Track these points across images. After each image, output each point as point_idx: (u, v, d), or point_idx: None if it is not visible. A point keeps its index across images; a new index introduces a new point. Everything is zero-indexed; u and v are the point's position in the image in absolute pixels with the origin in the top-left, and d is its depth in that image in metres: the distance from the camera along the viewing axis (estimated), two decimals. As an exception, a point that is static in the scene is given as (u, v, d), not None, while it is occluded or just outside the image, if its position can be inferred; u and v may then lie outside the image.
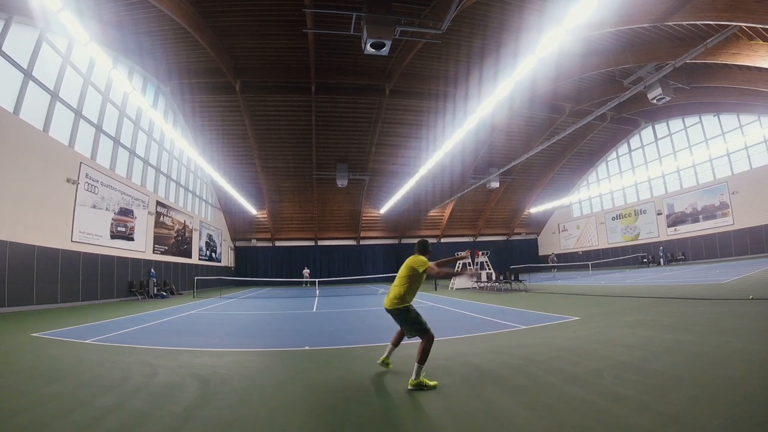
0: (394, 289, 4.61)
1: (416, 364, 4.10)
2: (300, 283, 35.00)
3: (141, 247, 22.29)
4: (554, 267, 35.17)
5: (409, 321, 4.50)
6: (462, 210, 41.05)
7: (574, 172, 40.73)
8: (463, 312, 10.86)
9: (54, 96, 15.50)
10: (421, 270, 4.48)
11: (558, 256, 40.56)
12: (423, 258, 4.63)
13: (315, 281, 31.28)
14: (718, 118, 28.02)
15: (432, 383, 4.07)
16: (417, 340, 4.40)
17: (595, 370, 4.33)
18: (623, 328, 6.78)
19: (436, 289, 21.29)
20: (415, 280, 4.57)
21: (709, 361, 4.37)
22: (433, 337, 4.32)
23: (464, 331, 7.47)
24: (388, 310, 4.63)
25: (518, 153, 29.00)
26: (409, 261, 4.63)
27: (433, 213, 40.29)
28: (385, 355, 4.93)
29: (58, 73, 15.80)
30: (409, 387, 4.03)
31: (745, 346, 4.93)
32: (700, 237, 30.14)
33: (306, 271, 35.88)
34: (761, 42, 16.47)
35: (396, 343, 4.93)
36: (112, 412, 3.50)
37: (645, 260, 32.98)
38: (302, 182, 34.39)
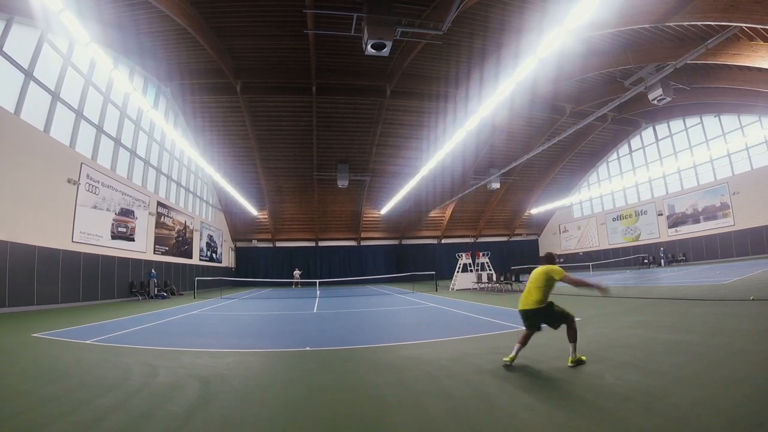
0: (532, 293, 5.14)
1: (572, 344, 4.79)
2: (290, 284, 34.87)
3: (142, 248, 22.30)
4: None
5: (553, 315, 5.08)
6: (463, 211, 41.04)
7: (574, 173, 40.72)
8: (463, 313, 10.85)
9: (55, 96, 15.51)
10: (557, 277, 5.03)
11: (559, 256, 40.53)
12: (557, 267, 5.22)
13: (316, 282, 31.17)
14: (719, 118, 28.00)
15: (583, 357, 4.86)
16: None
17: (596, 370, 4.33)
18: (624, 328, 6.78)
19: (437, 290, 21.28)
20: (551, 286, 5.13)
21: (710, 362, 4.37)
22: (574, 317, 5.05)
23: (465, 331, 7.47)
24: (529, 311, 5.13)
25: (519, 154, 28.96)
26: (546, 269, 5.16)
27: (433, 214, 40.29)
28: (514, 354, 4.99)
29: (59, 73, 15.81)
30: (570, 364, 4.68)
31: (745, 346, 4.92)
32: (701, 238, 30.11)
33: (297, 272, 35.71)
34: (761, 42, 16.45)
35: (525, 342, 5.13)
36: (113, 413, 3.50)
37: (646, 261, 32.95)
38: (303, 183, 34.40)
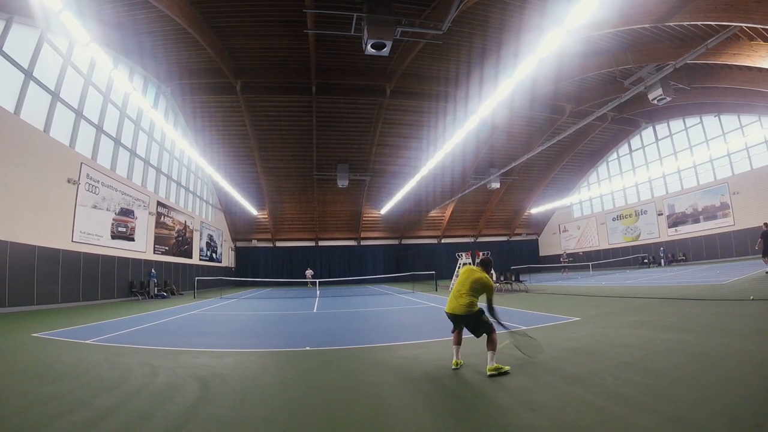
0: (463, 297, 4.91)
1: (491, 352, 4.54)
2: (303, 284, 34.90)
3: (141, 248, 22.30)
4: (565, 267, 35.13)
5: (480, 324, 4.84)
6: (463, 210, 41.04)
7: (574, 173, 40.72)
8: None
9: (55, 96, 15.51)
10: (489, 295, 4.95)
11: (568, 255, 40.43)
12: (491, 281, 5.09)
13: (315, 282, 31.21)
14: (719, 118, 27.99)
15: (506, 368, 4.51)
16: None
17: (595, 370, 4.32)
18: (624, 328, 6.77)
19: (437, 290, 21.27)
20: (480, 295, 4.99)
21: (709, 362, 4.36)
22: (494, 329, 4.77)
23: (465, 331, 7.45)
24: (460, 316, 4.90)
25: (519, 153, 29.00)
26: (480, 276, 5.01)
27: (433, 213, 40.30)
28: (457, 358, 4.95)
29: (59, 73, 15.81)
30: (489, 373, 4.40)
31: (745, 346, 4.92)
32: (701, 237, 30.10)
33: (309, 272, 35.72)
34: (761, 42, 16.45)
35: (460, 342, 5.07)
36: (112, 413, 3.50)
37: (646, 261, 32.94)
38: (303, 183, 34.42)
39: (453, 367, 4.81)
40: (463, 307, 4.88)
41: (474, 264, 21.69)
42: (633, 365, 4.44)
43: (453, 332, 5.13)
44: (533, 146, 27.88)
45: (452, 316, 4.99)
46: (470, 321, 4.90)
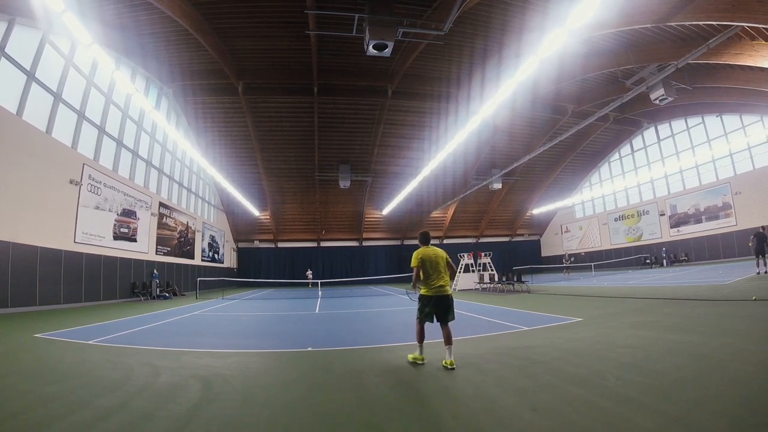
0: (444, 277, 5.07)
1: (451, 346, 4.81)
2: (305, 284, 35.00)
3: (144, 249, 22.34)
4: (567, 268, 35.04)
5: (452, 305, 5.04)
6: (464, 211, 41.02)
7: (576, 173, 40.65)
8: (465, 313, 10.83)
9: (57, 97, 15.55)
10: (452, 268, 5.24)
11: (570, 255, 40.32)
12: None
13: (317, 282, 31.24)
14: (721, 118, 27.92)
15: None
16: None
17: (597, 371, 4.32)
18: (626, 329, 6.76)
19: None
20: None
21: (711, 362, 4.35)
22: None
23: (466, 332, 7.45)
24: (447, 296, 5.05)
25: (521, 154, 28.96)
26: (442, 253, 5.19)
27: (435, 214, 40.28)
28: (420, 353, 5.08)
29: (61, 74, 15.85)
30: (451, 366, 4.65)
31: (747, 346, 4.90)
32: (703, 238, 30.01)
33: (309, 273, 35.90)
34: (763, 42, 16.41)
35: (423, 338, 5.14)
36: (114, 413, 3.51)
37: (648, 261, 32.87)
38: (305, 183, 34.46)
39: (421, 362, 4.94)
40: (449, 287, 5.06)
41: (475, 263, 21.60)
42: (635, 366, 4.43)
43: (424, 324, 5.14)
44: (535, 147, 27.86)
45: (444, 299, 5.03)
46: (451, 302, 5.06)
